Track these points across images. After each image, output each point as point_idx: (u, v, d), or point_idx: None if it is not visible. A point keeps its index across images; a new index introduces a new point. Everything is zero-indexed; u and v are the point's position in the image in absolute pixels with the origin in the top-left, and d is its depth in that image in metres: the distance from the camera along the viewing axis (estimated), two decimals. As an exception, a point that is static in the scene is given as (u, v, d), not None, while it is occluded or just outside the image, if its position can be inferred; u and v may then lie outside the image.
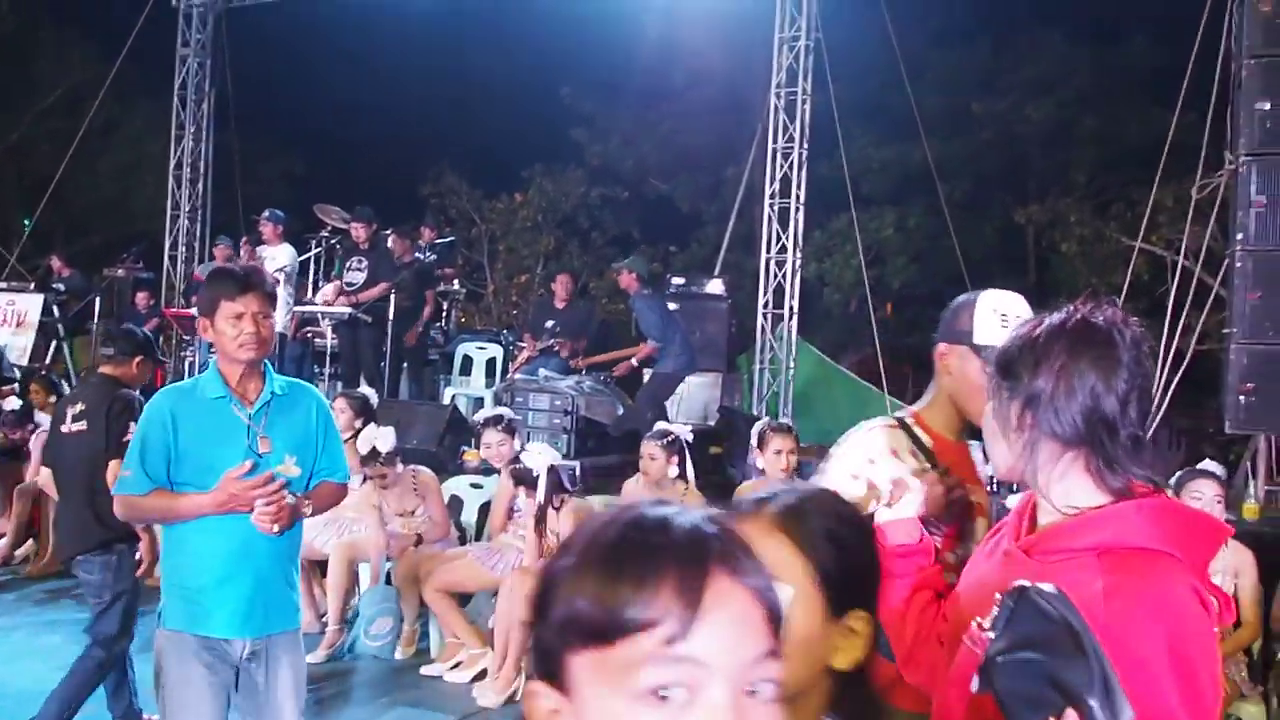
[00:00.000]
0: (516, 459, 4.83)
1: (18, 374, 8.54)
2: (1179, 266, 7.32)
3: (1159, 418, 6.59)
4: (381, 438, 5.19)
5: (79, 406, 4.05)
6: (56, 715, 3.78)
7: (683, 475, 4.82)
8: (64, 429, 4.06)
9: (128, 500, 2.68)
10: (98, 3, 17.37)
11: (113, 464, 3.72)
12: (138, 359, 4.10)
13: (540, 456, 4.65)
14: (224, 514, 2.56)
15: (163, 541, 2.75)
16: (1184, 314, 6.90)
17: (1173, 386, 6.48)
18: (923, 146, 11.74)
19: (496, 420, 5.23)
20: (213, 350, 2.81)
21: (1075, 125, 16.17)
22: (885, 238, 16.09)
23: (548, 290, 8.90)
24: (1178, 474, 4.07)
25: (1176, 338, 6.69)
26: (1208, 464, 4.13)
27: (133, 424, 3.91)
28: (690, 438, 4.90)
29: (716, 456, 7.56)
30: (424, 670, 4.95)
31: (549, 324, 8.33)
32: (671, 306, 9.08)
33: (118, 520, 3.57)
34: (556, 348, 7.94)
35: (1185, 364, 6.91)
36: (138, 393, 4.06)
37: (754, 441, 4.61)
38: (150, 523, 2.73)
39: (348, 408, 5.45)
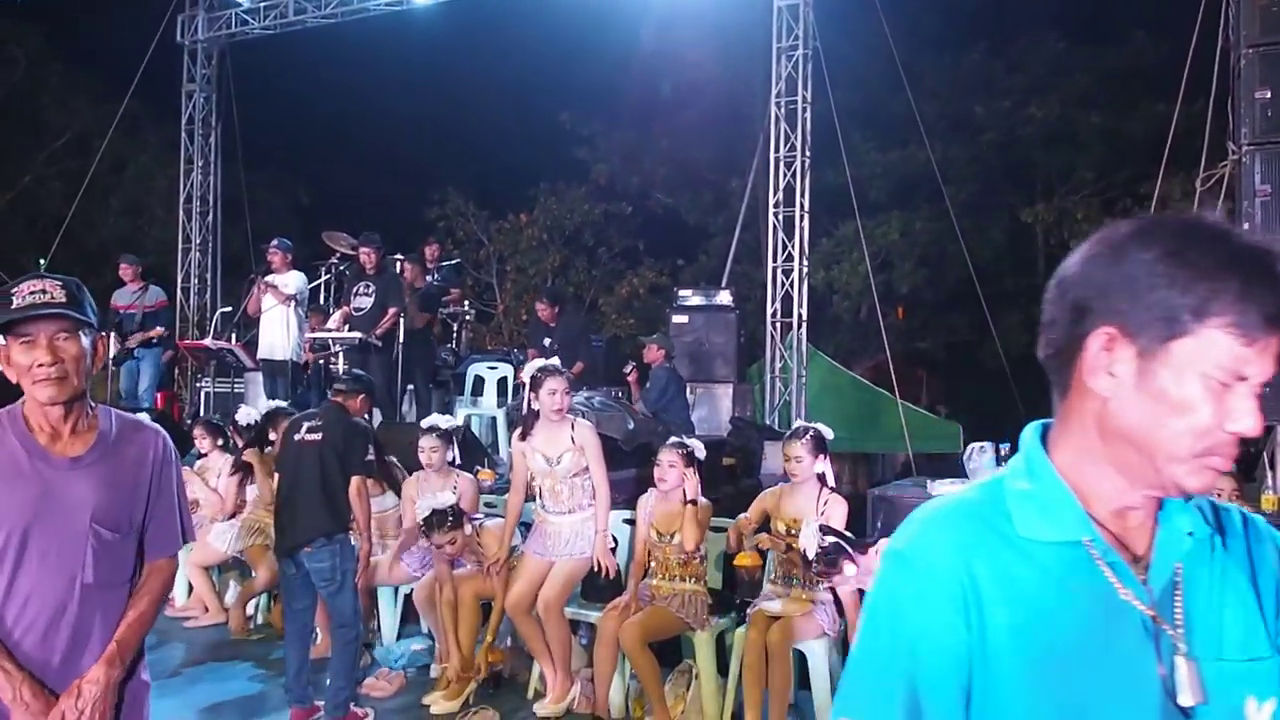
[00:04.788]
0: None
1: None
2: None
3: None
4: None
5: (315, 423, 4.77)
6: (345, 692, 4.47)
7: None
8: (298, 438, 4.73)
9: None
10: (104, 44, 17.58)
11: (354, 480, 4.60)
12: (361, 396, 4.97)
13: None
14: None
15: None
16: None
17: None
18: (926, 150, 11.75)
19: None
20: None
21: (1079, 123, 16.16)
22: (892, 243, 16.10)
23: (532, 311, 8.99)
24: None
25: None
26: None
27: (370, 447, 4.78)
28: (703, 454, 4.81)
29: (730, 467, 7.54)
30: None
31: (546, 341, 8.37)
32: (678, 320, 9.10)
33: (342, 514, 4.54)
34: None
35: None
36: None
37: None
38: None
39: (440, 446, 5.45)
